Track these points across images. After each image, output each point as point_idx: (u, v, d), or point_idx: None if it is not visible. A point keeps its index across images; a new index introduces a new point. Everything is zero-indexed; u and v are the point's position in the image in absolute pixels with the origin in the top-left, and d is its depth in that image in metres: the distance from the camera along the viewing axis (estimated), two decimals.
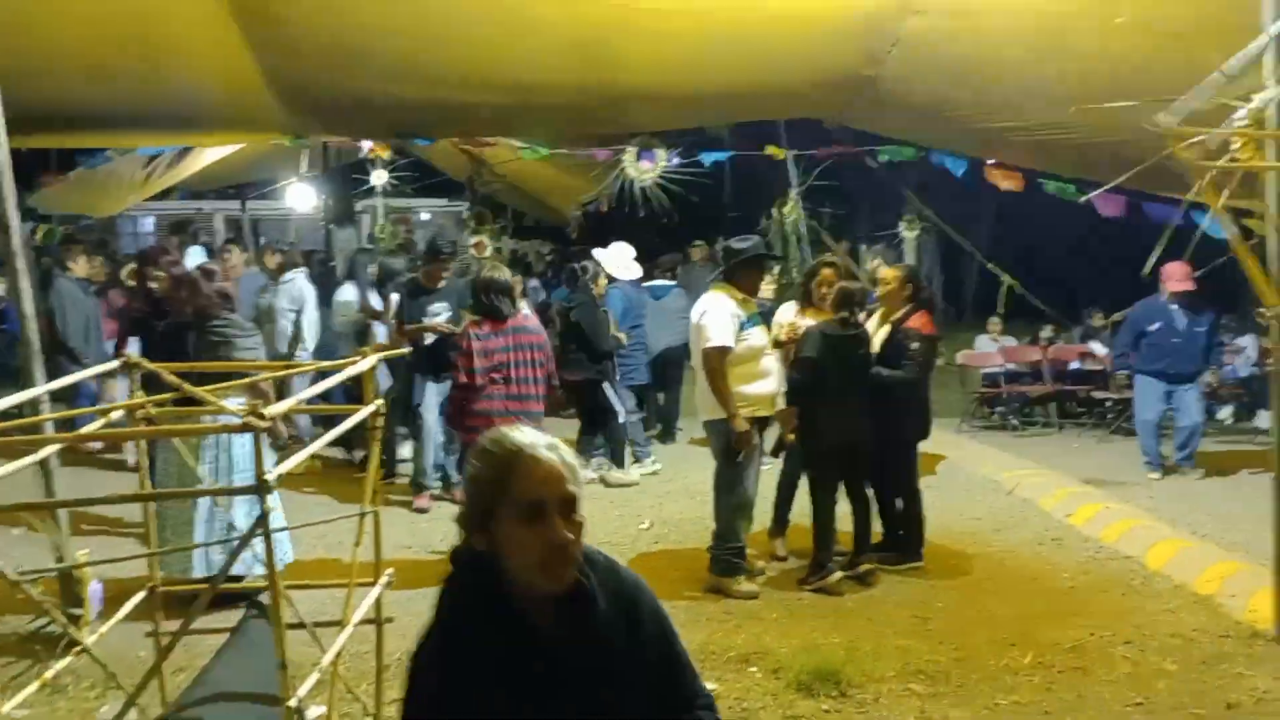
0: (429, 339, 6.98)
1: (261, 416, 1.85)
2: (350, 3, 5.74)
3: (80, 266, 9.11)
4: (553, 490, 1.59)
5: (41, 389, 3.35)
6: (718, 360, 5.20)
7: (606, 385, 7.68)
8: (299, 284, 8.49)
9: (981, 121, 6.54)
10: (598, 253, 8.39)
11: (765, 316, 5.79)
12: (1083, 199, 7.56)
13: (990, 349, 11.14)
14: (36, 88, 5.26)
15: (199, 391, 2.18)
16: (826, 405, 5.33)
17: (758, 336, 5.37)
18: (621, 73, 6.46)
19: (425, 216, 18.12)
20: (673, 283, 9.67)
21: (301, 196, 12.50)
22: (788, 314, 6.03)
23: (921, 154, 8.68)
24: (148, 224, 19.57)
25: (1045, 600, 5.26)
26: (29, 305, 4.42)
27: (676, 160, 8.73)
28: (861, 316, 5.66)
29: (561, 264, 11.62)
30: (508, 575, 1.60)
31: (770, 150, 9.72)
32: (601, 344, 7.65)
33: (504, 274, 5.79)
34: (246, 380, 3.83)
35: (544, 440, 1.64)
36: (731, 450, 5.25)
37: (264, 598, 2.77)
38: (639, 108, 7.24)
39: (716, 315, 5.26)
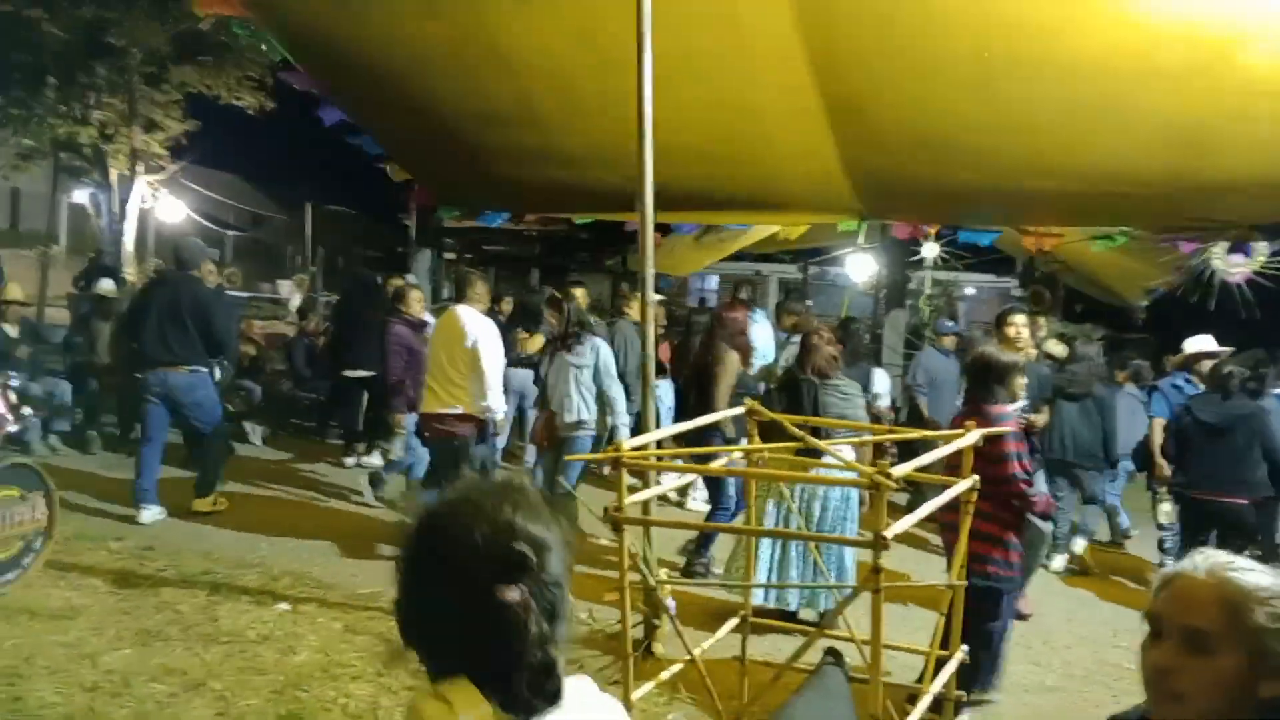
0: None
1: (889, 476, 2.07)
2: (936, 97, 6.03)
3: (634, 311, 10.27)
4: (1171, 611, 1.55)
5: (672, 429, 3.88)
6: None
7: None
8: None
9: None
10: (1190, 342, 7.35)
11: None
12: None
13: None
14: (667, 172, 6.22)
15: (823, 444, 2.49)
16: None
17: None
18: (1220, 159, 6.01)
19: (970, 291, 17.95)
20: None
21: (859, 266, 12.97)
22: None
23: None
24: (712, 282, 21.76)
25: None
26: (650, 348, 4.97)
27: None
28: None
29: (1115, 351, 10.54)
30: None
31: None
32: None
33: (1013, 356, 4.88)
34: (857, 440, 3.91)
35: (1224, 559, 1.56)
36: None
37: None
38: (1236, 198, 6.61)
39: None
